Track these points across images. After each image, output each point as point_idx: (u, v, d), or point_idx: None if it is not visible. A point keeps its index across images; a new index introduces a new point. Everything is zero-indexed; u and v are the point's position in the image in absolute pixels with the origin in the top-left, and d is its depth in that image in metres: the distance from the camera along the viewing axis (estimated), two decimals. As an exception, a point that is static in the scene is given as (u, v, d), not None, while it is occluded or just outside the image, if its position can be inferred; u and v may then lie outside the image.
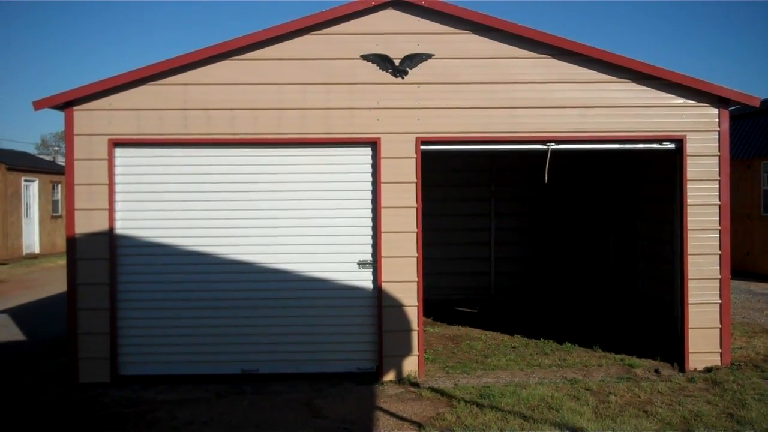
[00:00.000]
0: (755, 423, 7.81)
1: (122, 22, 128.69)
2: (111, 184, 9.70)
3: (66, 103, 9.64)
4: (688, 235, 10.03)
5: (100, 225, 9.69)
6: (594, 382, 9.49)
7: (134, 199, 9.85)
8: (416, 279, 9.84)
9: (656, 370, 10.03)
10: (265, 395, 9.19)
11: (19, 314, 16.01)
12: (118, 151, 9.80)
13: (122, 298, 9.80)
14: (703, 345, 10.06)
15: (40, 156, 50.19)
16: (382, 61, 9.75)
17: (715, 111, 10.03)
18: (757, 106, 10.40)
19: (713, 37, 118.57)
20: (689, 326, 10.04)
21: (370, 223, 9.92)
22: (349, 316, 9.95)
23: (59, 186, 31.63)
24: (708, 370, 9.94)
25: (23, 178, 29.09)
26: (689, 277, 10.04)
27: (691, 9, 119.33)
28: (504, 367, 10.39)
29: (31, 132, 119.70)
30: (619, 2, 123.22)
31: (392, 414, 8.36)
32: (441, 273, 16.05)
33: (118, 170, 9.79)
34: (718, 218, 10.04)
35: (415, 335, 9.84)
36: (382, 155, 9.76)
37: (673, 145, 10.12)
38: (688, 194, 10.03)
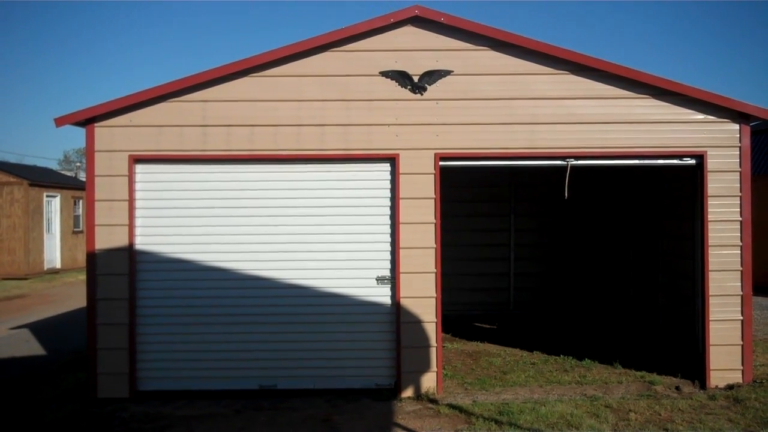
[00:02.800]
0: (778, 442, 7.73)
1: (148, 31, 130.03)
2: (131, 200, 9.76)
3: (87, 120, 9.72)
4: (709, 251, 9.96)
5: (120, 241, 9.75)
6: (614, 399, 9.41)
7: (154, 215, 9.91)
8: (435, 295, 9.82)
9: (677, 388, 9.94)
10: (282, 411, 9.18)
11: (40, 329, 16.11)
12: (139, 168, 9.87)
13: (142, 314, 9.84)
14: (724, 362, 9.96)
15: (63, 172, 50.65)
16: (401, 77, 9.77)
17: (736, 126, 9.97)
18: (778, 121, 10.33)
19: (734, 53, 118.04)
20: (710, 343, 9.96)
21: (389, 239, 9.91)
22: (367, 331, 9.93)
23: (81, 201, 31.85)
24: (729, 387, 9.84)
25: (45, 194, 29.35)
26: (710, 293, 9.96)
27: (711, 24, 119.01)
28: (523, 383, 10.33)
29: (54, 148, 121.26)
30: (640, 18, 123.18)
31: (410, 431, 8.32)
32: (460, 288, 16.04)
33: (138, 186, 9.86)
34: (739, 234, 9.97)
35: (433, 351, 9.81)
36: (400, 171, 9.77)
37: (693, 161, 10.07)
38: (709, 210, 9.96)
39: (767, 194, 20.46)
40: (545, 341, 13.36)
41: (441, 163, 9.85)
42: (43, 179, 30.47)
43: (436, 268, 9.83)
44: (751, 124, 10.08)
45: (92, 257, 9.75)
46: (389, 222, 9.91)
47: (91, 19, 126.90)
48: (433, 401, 9.44)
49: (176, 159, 9.87)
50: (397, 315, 9.80)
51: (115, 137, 9.76)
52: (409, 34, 9.85)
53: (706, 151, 9.95)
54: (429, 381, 9.78)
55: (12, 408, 9.48)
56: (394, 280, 9.85)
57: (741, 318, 9.96)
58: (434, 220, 9.82)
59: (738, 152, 9.98)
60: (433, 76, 9.79)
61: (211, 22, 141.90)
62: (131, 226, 9.77)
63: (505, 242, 16.95)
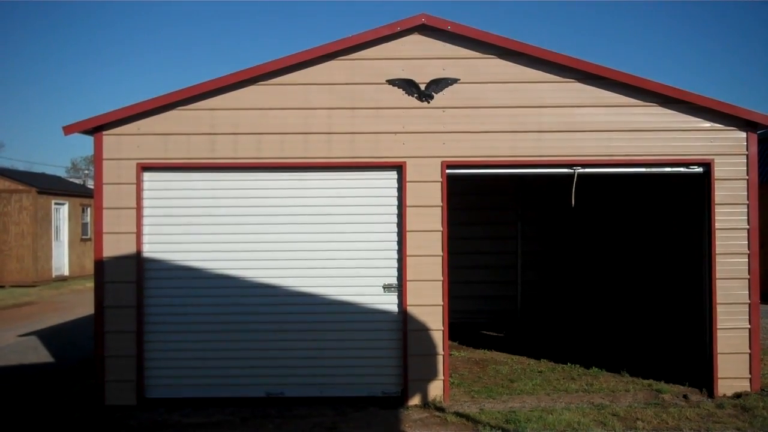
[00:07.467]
0: (786, 451, 7.69)
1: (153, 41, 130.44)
2: (139, 208, 9.80)
3: (95, 128, 9.76)
4: (717, 260, 9.95)
5: (127, 248, 9.78)
6: (621, 407, 9.39)
7: (162, 222, 9.94)
8: (442, 303, 9.81)
9: (684, 396, 9.91)
10: (289, 419, 9.18)
11: (48, 336, 16.15)
12: (146, 175, 9.90)
13: (149, 321, 9.86)
14: (732, 370, 9.93)
15: (71, 179, 50.81)
16: (407, 85, 9.79)
17: (743, 135, 9.97)
18: (786, 129, 10.31)
19: (741, 62, 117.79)
20: (718, 351, 9.94)
21: (396, 247, 9.92)
22: (374, 339, 9.93)
23: (89, 209, 31.92)
24: (737, 395, 9.80)
25: (53, 201, 29.41)
26: (718, 301, 9.94)
27: (718, 33, 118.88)
28: (530, 391, 10.31)
29: (62, 156, 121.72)
30: (648, 25, 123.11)
31: (417, 439, 8.33)
32: (467, 296, 16.02)
33: (145, 194, 9.89)
34: (746, 242, 9.95)
35: (440, 359, 9.80)
36: (407, 179, 9.78)
37: (700, 169, 10.06)
38: (716, 218, 9.95)
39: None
40: (552, 349, 13.34)
41: (448, 171, 9.86)
42: (51, 187, 30.55)
43: (443, 275, 9.83)
44: (758, 132, 10.06)
45: (100, 265, 9.78)
46: (396, 230, 9.92)
47: (100, 25, 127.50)
48: (440, 409, 9.43)
49: (184, 167, 9.90)
50: (404, 323, 9.80)
51: (122, 145, 9.80)
52: (415, 43, 9.87)
53: (713, 159, 9.94)
54: (436, 389, 9.77)
55: (20, 415, 9.50)
56: (401, 288, 9.85)
57: (748, 326, 9.93)
58: (441, 228, 9.82)
59: (745, 160, 9.97)
60: (439, 84, 9.81)
61: (222, 26, 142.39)
62: (139, 234, 9.79)
63: (512, 250, 16.95)
